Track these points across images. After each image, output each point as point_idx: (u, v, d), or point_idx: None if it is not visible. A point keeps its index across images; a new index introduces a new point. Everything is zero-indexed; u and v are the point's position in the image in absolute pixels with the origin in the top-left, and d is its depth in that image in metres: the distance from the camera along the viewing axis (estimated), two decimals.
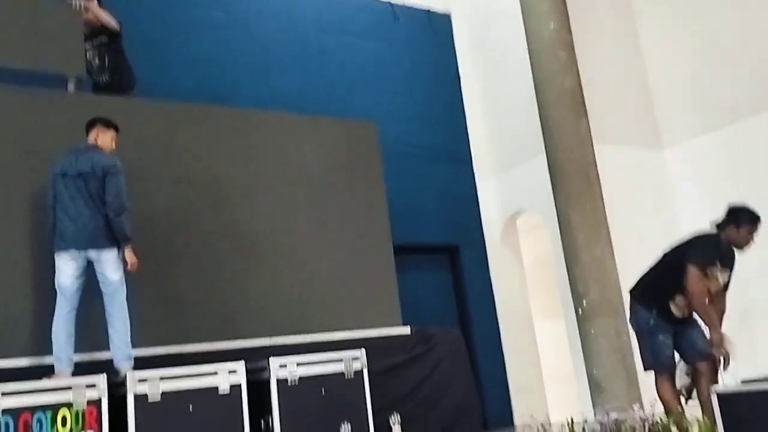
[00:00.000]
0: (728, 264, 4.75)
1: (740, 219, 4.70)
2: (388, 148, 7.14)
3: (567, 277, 6.80)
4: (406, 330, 6.11)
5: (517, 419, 7.94)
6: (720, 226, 4.77)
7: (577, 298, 6.62)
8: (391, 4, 9.14)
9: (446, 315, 8.38)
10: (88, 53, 5.75)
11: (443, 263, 8.91)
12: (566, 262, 6.78)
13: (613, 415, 3.53)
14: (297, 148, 6.17)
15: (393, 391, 5.57)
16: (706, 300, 4.60)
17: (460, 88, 9.44)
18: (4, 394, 3.69)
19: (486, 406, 7.38)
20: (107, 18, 5.70)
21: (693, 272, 4.56)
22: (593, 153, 6.92)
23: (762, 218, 4.72)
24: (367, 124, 6.77)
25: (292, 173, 6.07)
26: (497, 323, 8.70)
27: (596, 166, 6.88)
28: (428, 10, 9.43)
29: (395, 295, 6.30)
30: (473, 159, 9.18)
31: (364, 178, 6.48)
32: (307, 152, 6.22)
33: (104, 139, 4.67)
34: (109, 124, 4.72)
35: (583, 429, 3.37)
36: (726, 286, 4.79)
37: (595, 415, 3.72)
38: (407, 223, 7.76)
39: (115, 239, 4.43)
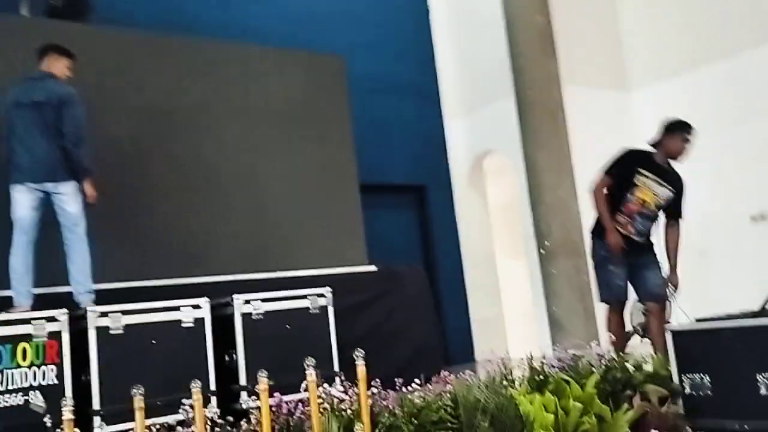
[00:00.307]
0: (668, 179, 4.70)
1: (672, 128, 4.72)
2: (355, 83, 7.03)
3: (531, 217, 6.86)
4: (371, 268, 6.14)
5: (479, 356, 8.12)
6: (655, 142, 4.79)
7: (539, 238, 6.71)
8: None
9: (411, 254, 8.43)
10: None
11: (410, 202, 8.91)
12: (531, 203, 6.83)
13: (571, 352, 3.61)
14: (261, 80, 6.04)
15: (357, 327, 5.61)
16: (603, 204, 4.66)
17: (429, 22, 9.26)
18: None
19: (448, 343, 7.53)
20: None
21: (597, 177, 4.69)
22: (561, 94, 6.91)
23: (695, 131, 4.73)
24: (334, 58, 6.64)
25: (255, 106, 5.96)
26: (461, 262, 8.79)
27: (563, 108, 6.88)
28: None
29: (361, 232, 6.31)
30: (442, 97, 9.08)
31: (329, 112, 6.39)
32: (272, 85, 6.10)
33: (59, 66, 4.48)
34: (63, 51, 4.52)
35: (542, 365, 3.44)
36: (675, 209, 4.76)
37: (553, 351, 3.80)
38: (374, 160, 7.70)
39: (73, 171, 4.30)
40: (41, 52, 4.46)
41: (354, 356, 2.70)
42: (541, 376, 3.27)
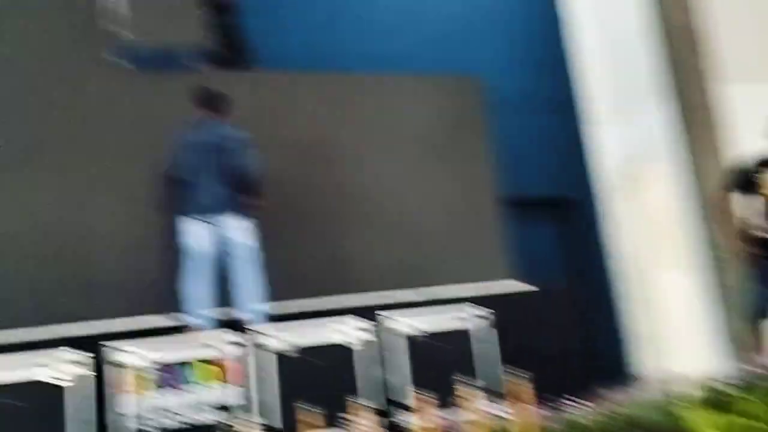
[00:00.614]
0: None
1: None
2: (492, 98, 7.03)
3: (697, 226, 6.50)
4: (517, 285, 6.07)
5: (637, 373, 7.77)
6: None
7: (709, 248, 6.32)
8: None
9: (557, 270, 8.24)
10: (205, 30, 5.92)
11: (554, 216, 8.73)
12: (696, 211, 6.48)
13: (756, 369, 3.38)
14: (401, 107, 6.22)
15: (504, 347, 5.57)
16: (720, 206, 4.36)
17: (566, 31, 9.10)
18: (151, 348, 3.96)
19: (600, 360, 7.26)
20: None
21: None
22: (718, 94, 6.53)
23: None
24: (470, 78, 6.68)
25: (398, 132, 6.13)
26: (613, 277, 8.49)
27: (721, 108, 6.50)
28: None
29: (505, 249, 6.26)
30: (585, 105, 8.87)
31: (469, 132, 6.45)
32: (412, 110, 6.25)
33: (221, 111, 4.83)
34: (223, 98, 4.87)
35: (722, 383, 3.24)
36: None
37: (733, 368, 3.57)
38: (515, 175, 7.63)
39: (244, 206, 4.61)
40: (204, 99, 4.83)
41: (509, 374, 2.68)
42: (723, 397, 3.08)
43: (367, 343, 4.27)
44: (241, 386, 4.00)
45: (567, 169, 8.58)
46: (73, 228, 4.87)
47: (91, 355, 3.92)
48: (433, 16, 8.32)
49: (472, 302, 4.94)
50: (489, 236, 6.23)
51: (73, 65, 5.21)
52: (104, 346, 4.15)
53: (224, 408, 3.94)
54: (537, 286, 6.11)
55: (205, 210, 4.59)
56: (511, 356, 5.38)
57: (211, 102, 4.84)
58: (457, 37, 8.32)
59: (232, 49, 5.86)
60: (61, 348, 3.94)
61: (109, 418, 4.07)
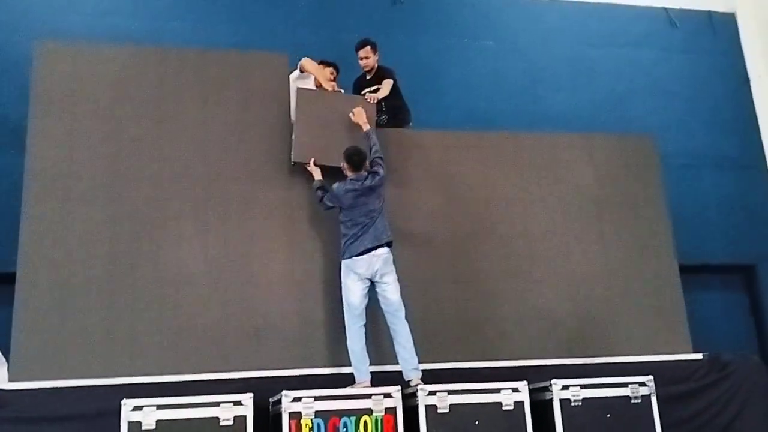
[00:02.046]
0: None
1: None
2: (669, 160, 6.84)
3: None
4: (696, 356, 5.71)
5: None
6: None
7: None
8: (666, 10, 8.68)
9: (742, 341, 7.64)
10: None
11: (736, 283, 8.16)
12: None
13: None
14: (570, 166, 6.11)
15: (683, 421, 5.25)
16: None
17: (749, 91, 8.64)
18: (317, 398, 4.18)
19: None
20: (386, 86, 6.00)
21: None
22: None
23: None
24: (644, 138, 6.48)
25: (567, 193, 6.03)
26: None
27: None
28: (709, 11, 8.80)
29: (683, 318, 5.91)
30: None
31: (643, 193, 6.22)
32: (581, 170, 6.13)
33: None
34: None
35: None
36: None
37: None
38: (693, 240, 7.27)
39: (393, 262, 4.83)
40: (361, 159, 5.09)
41: None
42: None
43: (520, 405, 4.22)
44: None
45: (752, 233, 8.02)
46: (246, 277, 5.28)
47: (250, 397, 4.19)
48: (607, 77, 8.26)
49: (644, 370, 4.80)
50: (667, 303, 5.92)
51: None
52: (273, 392, 4.44)
53: None
54: (721, 358, 5.73)
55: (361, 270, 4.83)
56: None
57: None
58: (631, 98, 8.19)
59: (394, 116, 6.14)
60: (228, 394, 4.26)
61: None
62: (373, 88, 5.95)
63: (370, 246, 4.80)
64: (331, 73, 6.00)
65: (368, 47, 6.07)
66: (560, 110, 7.84)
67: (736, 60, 8.75)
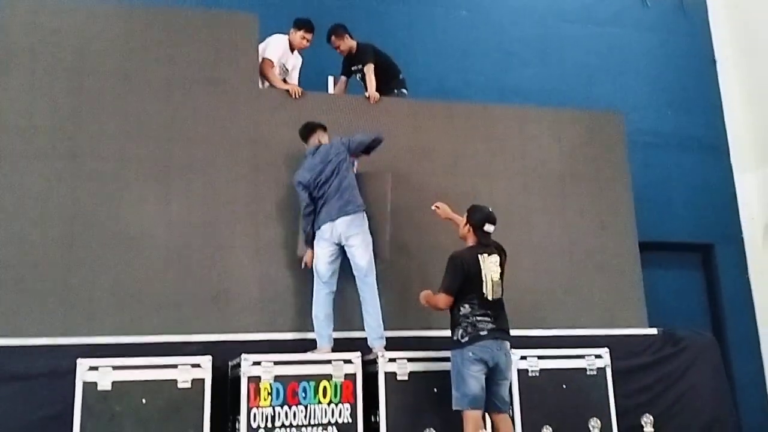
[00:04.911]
0: None
1: None
2: (634, 138, 6.90)
3: None
4: (652, 331, 5.83)
5: None
6: None
7: None
8: None
9: (697, 318, 7.82)
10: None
11: (694, 262, 8.32)
12: None
13: None
14: (538, 140, 6.15)
15: (636, 393, 5.37)
16: None
17: (715, 73, 8.74)
18: (276, 363, 4.18)
19: (741, 416, 6.77)
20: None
21: None
22: None
23: None
24: (612, 114, 6.54)
25: (532, 166, 6.07)
26: (756, 327, 7.94)
27: None
28: None
29: (641, 294, 6.03)
30: (731, 150, 8.44)
31: (608, 170, 6.29)
32: (549, 144, 6.17)
33: (325, 139, 5.11)
34: (323, 127, 5.16)
35: None
36: None
37: None
38: (654, 218, 7.37)
39: (360, 209, 4.81)
40: (309, 131, 5.12)
41: (642, 422, 2.62)
42: None
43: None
44: (350, 405, 4.13)
45: (712, 213, 8.18)
46: (209, 240, 5.22)
47: (209, 359, 4.18)
48: (577, 52, 8.26)
49: (600, 344, 4.92)
50: (625, 279, 6.02)
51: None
52: (236, 355, 4.43)
53: (335, 425, 4.08)
54: (676, 333, 5.88)
55: (327, 218, 4.81)
56: (638, 404, 5.22)
57: (312, 131, 5.14)
58: (600, 75, 8.22)
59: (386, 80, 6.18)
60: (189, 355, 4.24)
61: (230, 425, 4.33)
62: (356, 67, 6.13)
63: (335, 216, 4.78)
64: (303, 38, 5.94)
65: (333, 37, 6.17)
66: (530, 84, 7.82)
67: (704, 41, 8.82)
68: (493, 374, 3.99)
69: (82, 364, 3.98)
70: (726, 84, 8.66)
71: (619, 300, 5.96)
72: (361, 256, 4.77)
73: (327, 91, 6.46)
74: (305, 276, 5.08)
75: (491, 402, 3.95)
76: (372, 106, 5.77)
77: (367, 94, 5.86)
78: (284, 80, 5.84)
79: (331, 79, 6.56)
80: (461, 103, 6.28)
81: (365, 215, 4.86)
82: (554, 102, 7.04)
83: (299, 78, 6.11)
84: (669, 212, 7.92)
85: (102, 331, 4.70)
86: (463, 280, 4.10)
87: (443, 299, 4.13)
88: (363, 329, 4.75)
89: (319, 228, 4.83)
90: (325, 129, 5.18)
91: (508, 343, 4.10)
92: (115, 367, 4.01)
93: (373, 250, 4.84)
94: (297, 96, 5.55)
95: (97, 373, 3.97)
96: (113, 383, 3.98)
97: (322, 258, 4.81)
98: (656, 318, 6.09)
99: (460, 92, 7.36)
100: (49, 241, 4.82)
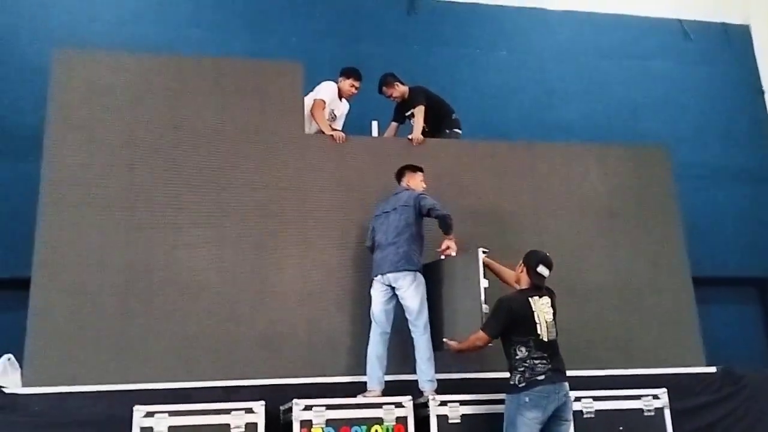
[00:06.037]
0: None
1: None
2: (683, 171, 6.79)
3: None
4: (710, 369, 5.67)
5: None
6: None
7: None
8: (681, 21, 8.69)
9: (756, 354, 7.58)
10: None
11: (750, 296, 8.10)
12: None
13: None
14: (583, 177, 6.09)
15: None
16: None
17: (763, 102, 8.62)
18: (329, 407, 4.18)
19: None
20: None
21: None
22: None
23: None
24: (657, 149, 6.46)
25: (579, 203, 6.01)
26: None
27: None
28: (723, 23, 8.79)
29: (697, 330, 5.87)
30: None
31: (656, 205, 6.19)
32: (594, 181, 6.11)
33: (415, 181, 5.16)
34: (415, 168, 5.19)
35: None
36: None
37: None
38: (707, 252, 7.23)
39: (413, 268, 4.80)
40: (399, 174, 5.21)
41: None
42: None
43: None
44: None
45: (764, 245, 7.97)
46: (259, 285, 5.29)
47: (262, 404, 4.21)
48: (619, 88, 8.26)
49: (657, 383, 4.82)
50: (680, 316, 5.87)
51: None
52: (284, 401, 4.45)
53: None
54: (735, 371, 5.70)
55: (380, 269, 4.83)
56: None
57: (401, 174, 5.22)
58: (644, 110, 8.19)
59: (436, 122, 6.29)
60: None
61: None
62: (409, 112, 6.26)
63: (385, 271, 4.80)
64: (352, 85, 6.10)
65: (384, 87, 6.31)
66: (573, 120, 7.84)
67: (750, 71, 8.74)
68: (554, 418, 3.92)
69: (139, 410, 4.05)
70: None
71: (674, 337, 5.81)
72: (412, 299, 4.76)
73: (370, 135, 6.56)
74: (354, 318, 5.11)
75: None
76: (415, 147, 5.83)
77: (410, 136, 5.92)
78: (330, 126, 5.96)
79: (375, 123, 6.66)
80: (504, 142, 6.30)
81: (417, 275, 4.84)
82: (599, 138, 7.03)
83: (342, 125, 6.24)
84: (722, 246, 7.77)
85: (157, 377, 4.77)
86: (508, 323, 4.06)
87: (480, 335, 4.12)
88: (415, 372, 4.73)
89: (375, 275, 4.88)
90: (414, 170, 5.24)
91: (566, 384, 4.02)
92: (171, 413, 4.07)
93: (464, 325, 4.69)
94: (341, 141, 5.65)
95: (154, 420, 4.04)
96: (169, 428, 4.04)
97: (376, 300, 4.84)
98: (713, 355, 5.92)
99: (504, 132, 7.40)
100: (107, 289, 4.96)
